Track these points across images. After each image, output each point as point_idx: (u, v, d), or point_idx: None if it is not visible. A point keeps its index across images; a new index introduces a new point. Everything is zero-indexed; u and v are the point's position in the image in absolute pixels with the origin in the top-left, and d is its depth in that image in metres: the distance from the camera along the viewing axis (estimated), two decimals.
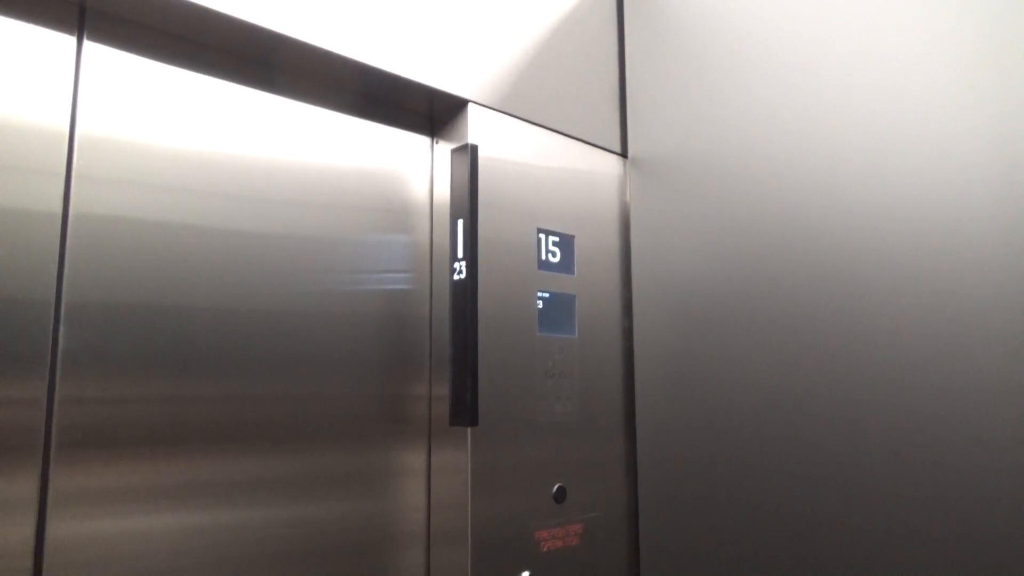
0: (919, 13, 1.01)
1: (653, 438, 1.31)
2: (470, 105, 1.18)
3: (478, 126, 1.18)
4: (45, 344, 0.82)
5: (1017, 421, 0.86)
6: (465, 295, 1.12)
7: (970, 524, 0.89)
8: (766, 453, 1.12)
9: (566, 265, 1.29)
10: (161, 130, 0.94)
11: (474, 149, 1.16)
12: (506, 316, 1.17)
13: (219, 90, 1.00)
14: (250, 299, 0.99)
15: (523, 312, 1.20)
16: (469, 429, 1.10)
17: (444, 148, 1.22)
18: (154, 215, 0.92)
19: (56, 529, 0.81)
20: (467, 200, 1.14)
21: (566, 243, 1.30)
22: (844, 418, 1.03)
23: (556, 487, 1.21)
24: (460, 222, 1.15)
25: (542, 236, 1.25)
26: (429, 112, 1.24)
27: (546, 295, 1.24)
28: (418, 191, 1.22)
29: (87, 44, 0.90)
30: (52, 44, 0.87)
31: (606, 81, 1.44)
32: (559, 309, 1.26)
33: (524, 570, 1.13)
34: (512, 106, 1.24)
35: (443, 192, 1.21)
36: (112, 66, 0.91)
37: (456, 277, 1.14)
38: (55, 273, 0.83)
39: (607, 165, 1.42)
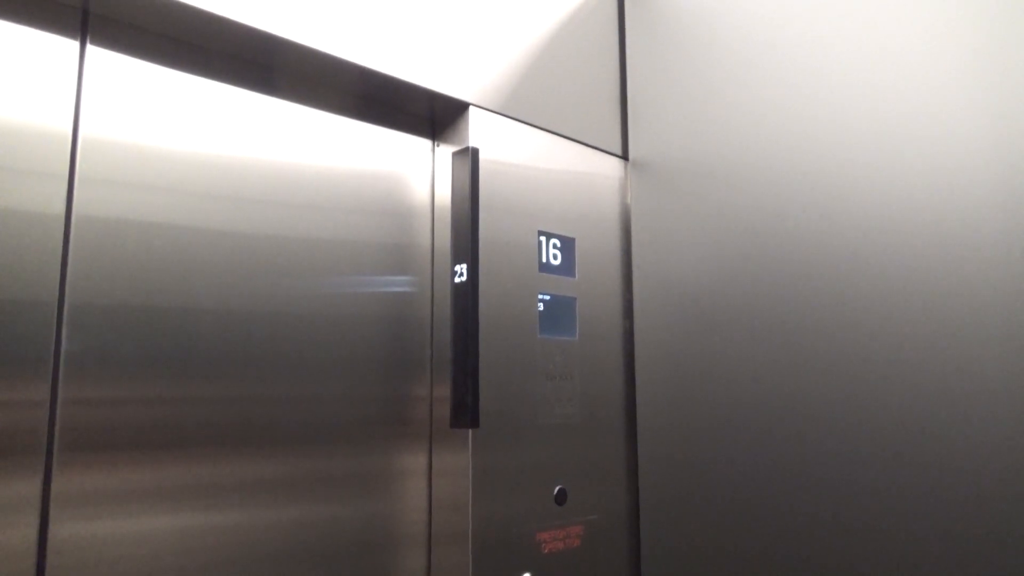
0: (919, 13, 1.01)
1: (654, 440, 1.31)
2: (471, 108, 1.18)
3: (479, 129, 1.19)
4: (48, 346, 0.82)
5: (1018, 421, 0.86)
6: (466, 297, 1.13)
7: (971, 524, 0.89)
8: (767, 455, 1.12)
9: (567, 267, 1.29)
10: (163, 133, 0.95)
11: (475, 152, 1.16)
12: (507, 318, 1.17)
13: (221, 93, 1.01)
14: (252, 301, 0.99)
15: (524, 314, 1.20)
16: (470, 431, 1.10)
17: (445, 151, 1.23)
18: (156, 217, 0.92)
19: (59, 530, 0.81)
20: (468, 203, 1.14)
21: (567, 245, 1.30)
22: (845, 419, 1.03)
23: (557, 489, 1.21)
24: (461, 225, 1.15)
25: (543, 238, 1.26)
26: (430, 115, 1.25)
27: (547, 297, 1.24)
28: (419, 194, 1.22)
29: (90, 48, 0.90)
30: (56, 48, 0.87)
31: (607, 84, 1.45)
32: (560, 311, 1.26)
33: (525, 572, 1.14)
34: (513, 109, 1.25)
35: (444, 195, 1.21)
36: (115, 70, 0.92)
37: (457, 280, 1.15)
38: (58, 275, 0.84)
39: (608, 167, 1.42)
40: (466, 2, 1.21)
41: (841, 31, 1.10)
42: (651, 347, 1.34)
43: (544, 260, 1.25)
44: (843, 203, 1.06)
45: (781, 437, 1.10)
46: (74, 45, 0.89)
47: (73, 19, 0.89)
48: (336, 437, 1.06)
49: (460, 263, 1.14)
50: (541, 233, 1.26)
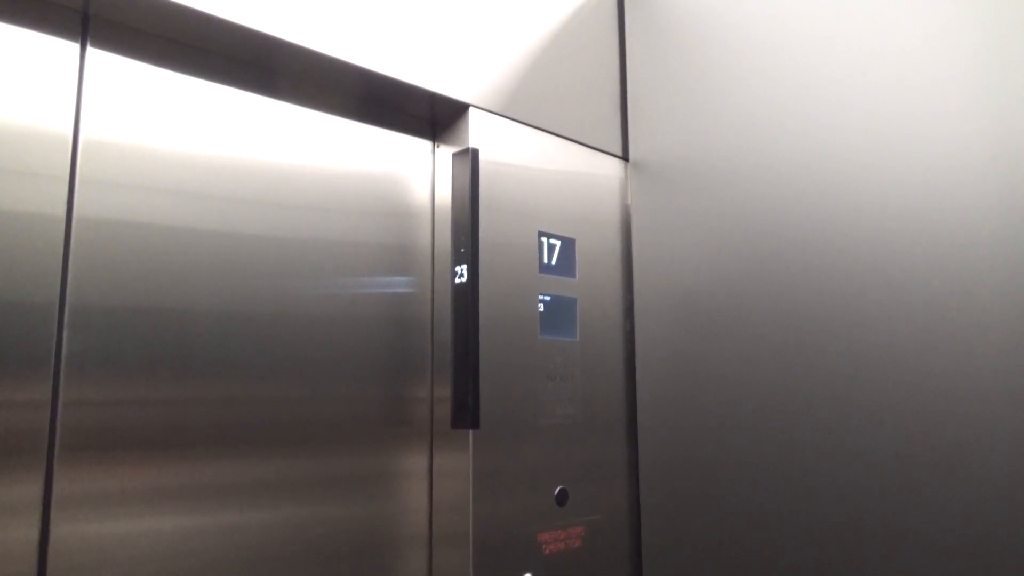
0: (919, 14, 1.01)
1: (655, 440, 1.31)
2: (471, 109, 1.18)
3: (479, 130, 1.19)
4: (49, 347, 0.82)
5: (1019, 421, 0.86)
6: (467, 298, 1.13)
7: (972, 524, 0.89)
8: (768, 455, 1.12)
9: (567, 268, 1.29)
10: (164, 135, 0.95)
11: (475, 153, 1.17)
12: (507, 319, 1.17)
13: (222, 95, 1.01)
14: (253, 303, 0.99)
15: (524, 315, 1.20)
16: (471, 432, 1.10)
17: (445, 152, 1.23)
18: (157, 219, 0.93)
19: (60, 531, 0.81)
20: (468, 204, 1.14)
21: (567, 246, 1.30)
22: (846, 419, 1.03)
23: (558, 489, 1.21)
24: (461, 226, 1.15)
25: (543, 239, 1.26)
26: (430, 116, 1.25)
27: (547, 298, 1.24)
28: (420, 195, 1.23)
29: (90, 50, 0.90)
30: (56, 51, 0.88)
31: (607, 84, 1.45)
32: (560, 312, 1.26)
33: (526, 573, 1.14)
34: (513, 110, 1.25)
35: (444, 196, 1.21)
36: (115, 72, 0.92)
37: (458, 280, 1.15)
38: (59, 276, 0.84)
39: (608, 168, 1.42)
40: (466, 3, 1.21)
41: (841, 31, 1.10)
42: (652, 347, 1.34)
43: (544, 261, 1.25)
44: (843, 203, 1.06)
45: (782, 437, 1.10)
46: (74, 47, 0.89)
47: (73, 21, 0.89)
48: (337, 438, 1.06)
49: (460, 264, 1.15)
50: (541, 234, 1.26)
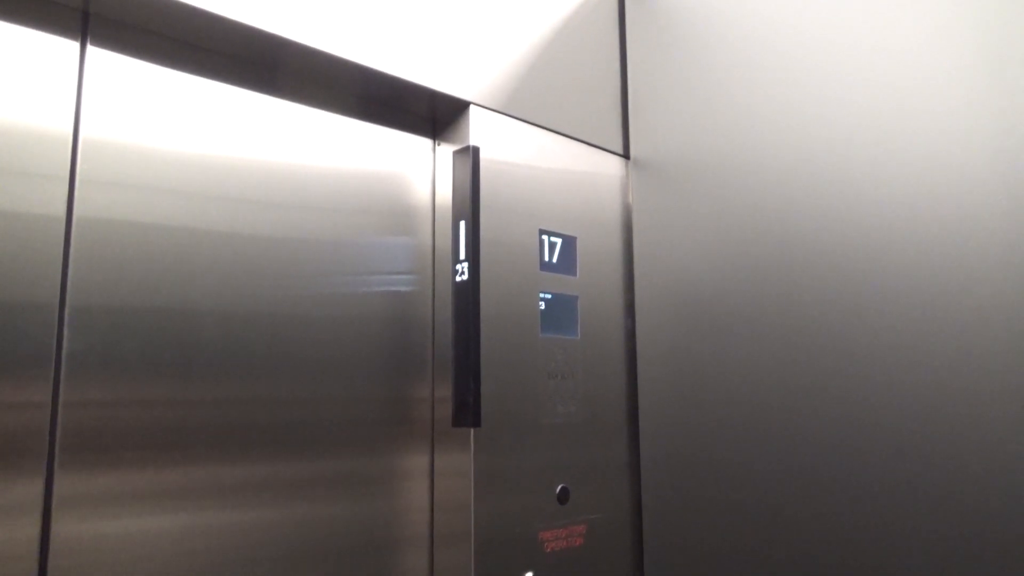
0: (921, 13, 1.01)
1: (656, 439, 1.31)
2: (472, 107, 1.18)
3: (480, 128, 1.19)
4: (49, 347, 0.82)
5: (1020, 420, 0.86)
6: (467, 296, 1.13)
7: (973, 523, 0.89)
8: (769, 453, 1.12)
9: (568, 266, 1.29)
10: (164, 134, 0.95)
11: (476, 151, 1.16)
12: (508, 317, 1.17)
13: (222, 94, 1.01)
14: (254, 302, 0.99)
15: (525, 313, 1.20)
16: (472, 430, 1.10)
17: (446, 150, 1.23)
18: (157, 218, 0.92)
19: (61, 531, 0.81)
20: (469, 202, 1.14)
21: (568, 244, 1.30)
22: (847, 418, 1.03)
23: (559, 488, 1.21)
24: (462, 224, 1.15)
25: (544, 237, 1.26)
26: (431, 114, 1.25)
27: (548, 296, 1.24)
28: (420, 193, 1.22)
29: (90, 49, 0.90)
30: (56, 49, 0.87)
31: (608, 82, 1.45)
32: (561, 310, 1.26)
33: (528, 571, 1.14)
34: (514, 108, 1.24)
35: (445, 194, 1.21)
36: (115, 71, 0.92)
37: (458, 279, 1.15)
38: (59, 276, 0.84)
39: (609, 166, 1.42)
40: (467, 1, 1.20)
41: (842, 29, 1.09)
42: (653, 345, 1.34)
43: (545, 259, 1.25)
44: (844, 201, 1.06)
45: (783, 435, 1.10)
46: (74, 46, 0.89)
47: (73, 20, 0.89)
48: (338, 438, 1.06)
49: (461, 262, 1.14)
50: (542, 232, 1.25)
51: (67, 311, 0.84)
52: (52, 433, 0.81)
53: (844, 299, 1.05)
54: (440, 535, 1.14)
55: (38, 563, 0.79)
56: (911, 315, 0.97)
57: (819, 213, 1.09)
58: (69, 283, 0.85)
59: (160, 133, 0.94)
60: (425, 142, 1.25)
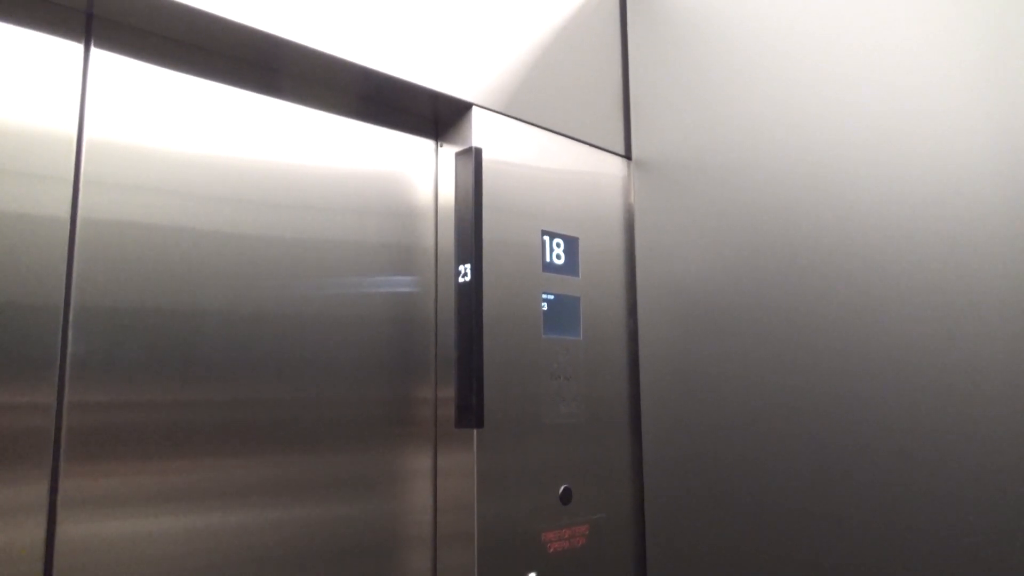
0: (921, 13, 1.01)
1: (659, 439, 1.31)
2: (474, 108, 1.18)
3: (482, 129, 1.19)
4: (54, 349, 0.82)
5: (1022, 419, 0.86)
6: (470, 297, 1.13)
7: (975, 522, 0.89)
8: (772, 453, 1.12)
9: (571, 267, 1.29)
10: (168, 135, 0.95)
11: (478, 152, 1.16)
12: (511, 318, 1.17)
13: (225, 95, 1.01)
14: (257, 303, 0.99)
15: (528, 314, 1.20)
16: (475, 431, 1.10)
17: (448, 151, 1.23)
18: (161, 219, 0.93)
19: (66, 532, 0.81)
20: (471, 203, 1.14)
21: (570, 245, 1.30)
22: (850, 417, 1.03)
23: (562, 488, 1.21)
24: (465, 225, 1.15)
25: (546, 238, 1.26)
26: (433, 116, 1.25)
27: (551, 297, 1.24)
28: (423, 194, 1.23)
29: (94, 51, 0.90)
30: (60, 51, 0.88)
31: (610, 83, 1.45)
32: (564, 311, 1.26)
33: (531, 571, 1.14)
34: (516, 109, 1.25)
35: (447, 195, 1.21)
36: (119, 72, 0.92)
37: (461, 280, 1.15)
38: (64, 278, 0.84)
39: (611, 167, 1.42)
40: (468, 2, 1.21)
41: (843, 30, 1.10)
42: (655, 346, 1.34)
43: (548, 260, 1.25)
44: (846, 201, 1.06)
45: (786, 435, 1.10)
46: (78, 48, 0.89)
47: (77, 22, 0.89)
48: (341, 438, 1.06)
49: (464, 263, 1.15)
50: (545, 233, 1.26)
51: (71, 312, 0.84)
52: (57, 434, 0.82)
53: (846, 299, 1.05)
54: (443, 536, 1.14)
55: (43, 564, 0.79)
56: (913, 314, 0.97)
57: (821, 213, 1.09)
58: (73, 284, 0.85)
59: (164, 134, 0.94)
60: (427, 143, 1.25)
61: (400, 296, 1.17)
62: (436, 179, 1.25)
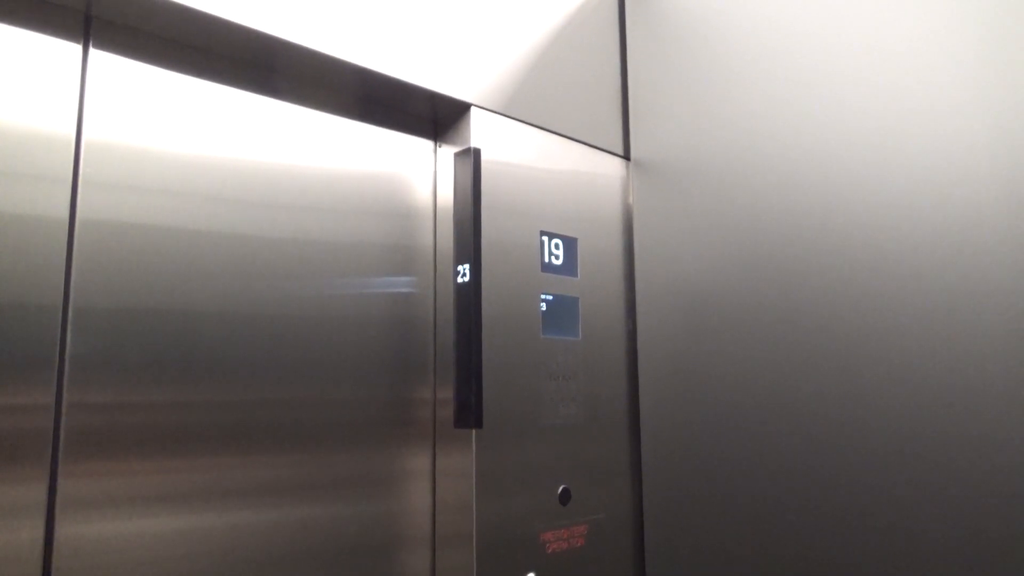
0: (921, 13, 1.01)
1: (657, 439, 1.31)
2: (473, 109, 1.18)
3: (481, 129, 1.19)
4: (53, 349, 0.82)
5: (1020, 419, 0.86)
6: (469, 298, 1.13)
7: (975, 523, 0.89)
8: (771, 454, 1.12)
9: (569, 267, 1.29)
10: (167, 136, 0.95)
11: (477, 152, 1.16)
12: (510, 319, 1.17)
13: (224, 96, 1.01)
14: (256, 304, 0.99)
15: (527, 314, 1.20)
16: (473, 431, 1.10)
17: (447, 152, 1.23)
18: (160, 220, 0.93)
19: (65, 533, 0.81)
20: (470, 203, 1.14)
21: (569, 245, 1.30)
22: (849, 418, 1.03)
23: (561, 489, 1.21)
24: (463, 225, 1.15)
25: (545, 239, 1.26)
26: (432, 116, 1.25)
27: (549, 297, 1.25)
28: (421, 194, 1.23)
29: (93, 52, 0.90)
30: (58, 52, 0.88)
31: (608, 84, 1.45)
32: (563, 311, 1.27)
33: (529, 572, 1.14)
34: (515, 109, 1.25)
35: (446, 195, 1.21)
36: (117, 73, 0.92)
37: (460, 280, 1.15)
38: (62, 278, 0.84)
39: (610, 167, 1.42)
40: (467, 3, 1.21)
41: (842, 30, 1.10)
42: (654, 346, 1.34)
43: (546, 260, 1.25)
44: (845, 201, 1.06)
45: (784, 436, 1.10)
46: (77, 49, 0.89)
47: (76, 23, 0.89)
48: (340, 439, 1.06)
49: (463, 264, 1.15)
50: (543, 233, 1.26)
51: (70, 313, 0.84)
52: (56, 435, 0.82)
53: (845, 299, 1.05)
54: (442, 536, 1.14)
55: (42, 565, 0.79)
56: (912, 314, 0.97)
57: (819, 213, 1.09)
58: (72, 285, 0.85)
59: (162, 135, 0.94)
60: (426, 144, 1.25)
61: (399, 296, 1.17)
62: (435, 179, 1.25)
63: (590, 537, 1.24)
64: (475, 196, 1.15)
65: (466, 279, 1.14)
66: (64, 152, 0.86)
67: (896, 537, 0.96)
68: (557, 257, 1.27)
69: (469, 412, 1.10)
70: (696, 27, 1.33)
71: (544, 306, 1.23)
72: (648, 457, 1.33)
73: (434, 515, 1.16)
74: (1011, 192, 0.89)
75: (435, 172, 1.25)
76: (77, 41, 0.89)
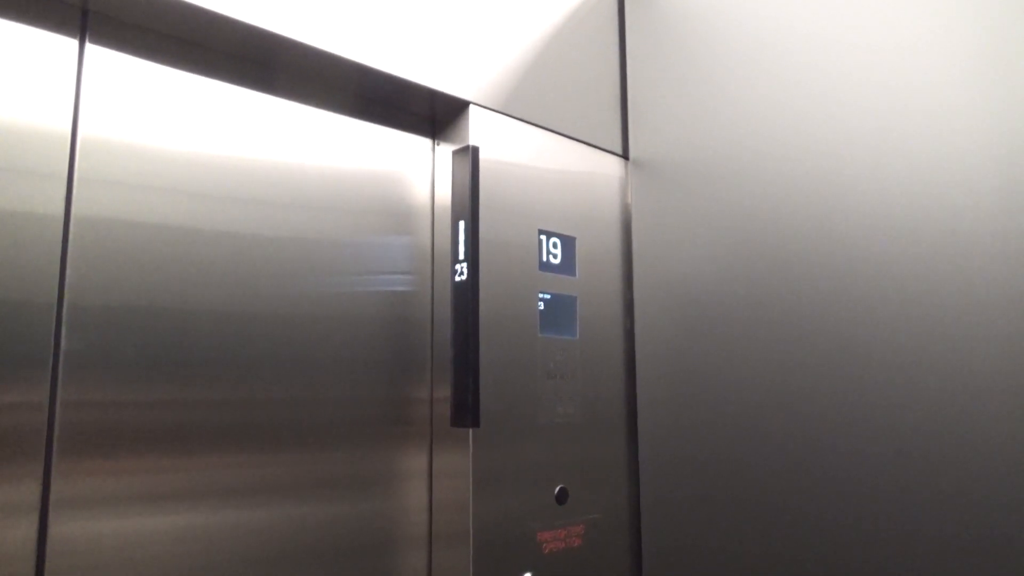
0: (920, 13, 1.01)
1: (655, 439, 1.31)
2: (471, 107, 1.18)
3: (479, 128, 1.18)
4: (47, 347, 0.82)
5: (1019, 420, 0.86)
6: (467, 296, 1.12)
7: (972, 522, 0.89)
8: (768, 454, 1.12)
9: (567, 266, 1.29)
10: (163, 133, 0.94)
11: (475, 151, 1.16)
12: (507, 317, 1.17)
13: (221, 93, 1.00)
14: (252, 302, 0.99)
15: (524, 313, 1.20)
16: (471, 431, 1.10)
17: (445, 150, 1.23)
18: (156, 218, 0.92)
19: (58, 532, 0.81)
20: (468, 202, 1.14)
21: (567, 244, 1.30)
22: (846, 418, 1.03)
23: (558, 488, 1.21)
24: (461, 224, 1.15)
25: (543, 237, 1.25)
26: (430, 114, 1.24)
27: (547, 296, 1.24)
28: (419, 193, 1.22)
29: (89, 47, 0.90)
30: (55, 47, 0.87)
31: (607, 82, 1.45)
32: (560, 310, 1.26)
33: (526, 572, 1.13)
34: (513, 108, 1.24)
35: (444, 194, 1.21)
36: (114, 69, 0.91)
37: (457, 279, 1.15)
38: (57, 276, 0.83)
39: (608, 166, 1.42)
40: (467, 1, 1.20)
41: (841, 30, 1.10)
42: (652, 346, 1.34)
43: (544, 259, 1.25)
44: (844, 201, 1.06)
45: (782, 436, 1.10)
46: (73, 44, 0.88)
47: (72, 17, 0.89)
48: (336, 438, 1.06)
49: (460, 262, 1.14)
50: (541, 232, 1.25)
51: (65, 311, 0.84)
52: (50, 433, 0.81)
53: (843, 298, 1.05)
54: (439, 535, 1.14)
55: (35, 563, 0.79)
56: (910, 314, 0.97)
57: (818, 213, 1.09)
58: (67, 282, 0.84)
59: (159, 132, 0.94)
60: (424, 142, 1.25)
61: (396, 295, 1.16)
62: (433, 178, 1.24)
63: (587, 537, 1.24)
64: (473, 194, 1.14)
65: (464, 277, 1.13)
66: (60, 148, 0.86)
67: (894, 536, 0.96)
68: (555, 256, 1.27)
69: (466, 411, 1.10)
70: (695, 26, 1.32)
71: (542, 305, 1.23)
72: (645, 457, 1.33)
73: (431, 514, 1.16)
74: (1011, 192, 0.89)
75: (433, 170, 1.25)
76: (73, 36, 0.89)
